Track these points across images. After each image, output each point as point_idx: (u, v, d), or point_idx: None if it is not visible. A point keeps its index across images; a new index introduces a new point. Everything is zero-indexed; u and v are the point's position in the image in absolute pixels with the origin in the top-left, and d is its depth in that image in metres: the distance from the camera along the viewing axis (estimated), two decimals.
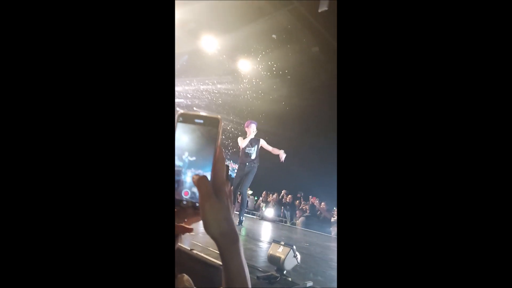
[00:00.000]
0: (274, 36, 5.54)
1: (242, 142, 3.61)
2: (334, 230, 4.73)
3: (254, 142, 3.65)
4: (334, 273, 2.26)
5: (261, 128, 3.70)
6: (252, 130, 3.62)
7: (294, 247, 2.05)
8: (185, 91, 7.48)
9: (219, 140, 0.38)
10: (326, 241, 3.87)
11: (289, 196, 6.01)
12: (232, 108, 7.55)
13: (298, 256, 2.06)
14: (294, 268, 2.01)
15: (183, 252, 1.70)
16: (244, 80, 6.92)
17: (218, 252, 0.37)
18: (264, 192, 6.51)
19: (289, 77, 6.58)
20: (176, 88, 8.09)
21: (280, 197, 6.16)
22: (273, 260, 1.84)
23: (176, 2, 0.53)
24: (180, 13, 4.72)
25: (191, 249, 1.79)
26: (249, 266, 0.51)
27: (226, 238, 0.37)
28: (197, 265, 1.60)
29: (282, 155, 3.60)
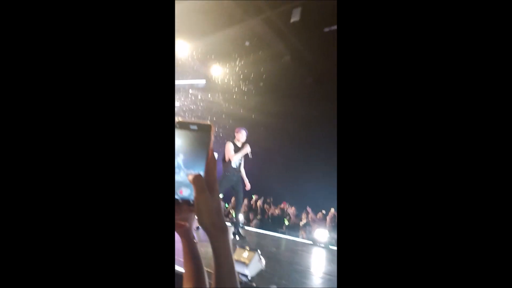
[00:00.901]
0: (247, 43, 5.62)
1: (233, 154, 3.43)
2: (302, 234, 4.84)
3: (240, 150, 3.53)
4: (298, 276, 2.32)
5: (233, 134, 3.68)
6: (242, 137, 3.53)
7: (259, 251, 2.08)
8: None
9: (211, 144, 0.43)
10: (293, 245, 3.94)
11: (259, 201, 6.05)
12: (205, 113, 7.50)
13: (263, 261, 2.10)
14: (259, 273, 2.04)
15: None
16: (217, 86, 6.91)
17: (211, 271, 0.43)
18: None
19: (261, 84, 6.69)
20: None
21: (251, 202, 6.19)
22: (238, 266, 1.87)
23: None
24: None
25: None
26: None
27: (216, 228, 0.41)
28: None
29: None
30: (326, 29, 4.92)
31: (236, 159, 3.48)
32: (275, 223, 5.49)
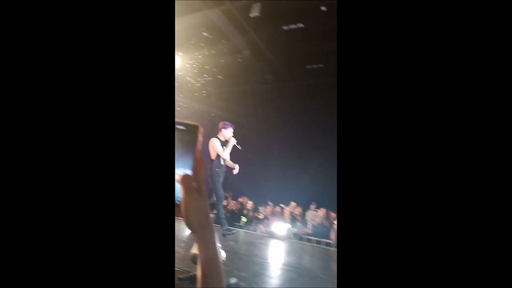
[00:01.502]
0: (205, 33, 5.43)
1: (221, 151, 3.19)
2: (260, 228, 4.86)
3: (225, 145, 3.31)
4: (258, 268, 2.30)
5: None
6: (229, 133, 3.29)
7: (220, 245, 2.00)
8: None
9: (199, 144, 0.43)
10: (252, 239, 3.93)
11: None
12: None
13: (223, 254, 2.02)
14: None
15: None
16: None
17: None
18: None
19: (219, 77, 6.55)
20: None
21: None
22: (196, 260, 1.76)
23: None
24: None
25: None
26: None
27: (204, 229, 0.41)
28: None
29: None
30: (285, 27, 5.00)
31: (227, 155, 3.25)
32: (234, 217, 5.43)
